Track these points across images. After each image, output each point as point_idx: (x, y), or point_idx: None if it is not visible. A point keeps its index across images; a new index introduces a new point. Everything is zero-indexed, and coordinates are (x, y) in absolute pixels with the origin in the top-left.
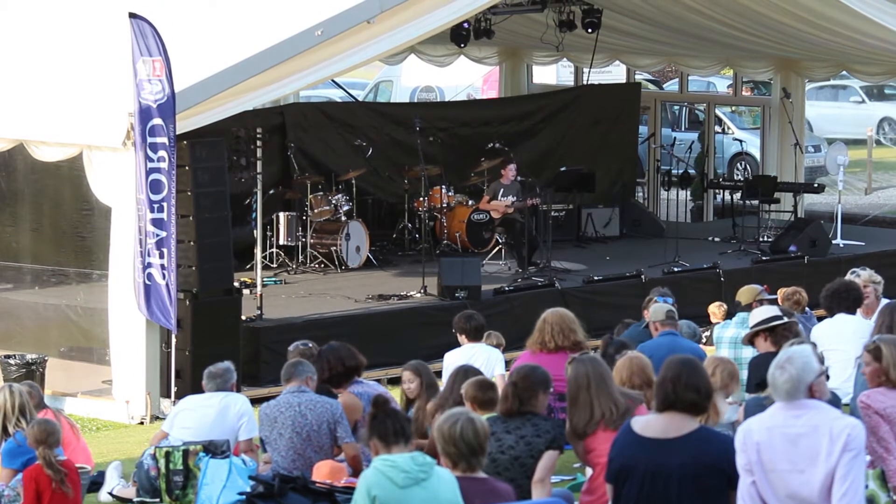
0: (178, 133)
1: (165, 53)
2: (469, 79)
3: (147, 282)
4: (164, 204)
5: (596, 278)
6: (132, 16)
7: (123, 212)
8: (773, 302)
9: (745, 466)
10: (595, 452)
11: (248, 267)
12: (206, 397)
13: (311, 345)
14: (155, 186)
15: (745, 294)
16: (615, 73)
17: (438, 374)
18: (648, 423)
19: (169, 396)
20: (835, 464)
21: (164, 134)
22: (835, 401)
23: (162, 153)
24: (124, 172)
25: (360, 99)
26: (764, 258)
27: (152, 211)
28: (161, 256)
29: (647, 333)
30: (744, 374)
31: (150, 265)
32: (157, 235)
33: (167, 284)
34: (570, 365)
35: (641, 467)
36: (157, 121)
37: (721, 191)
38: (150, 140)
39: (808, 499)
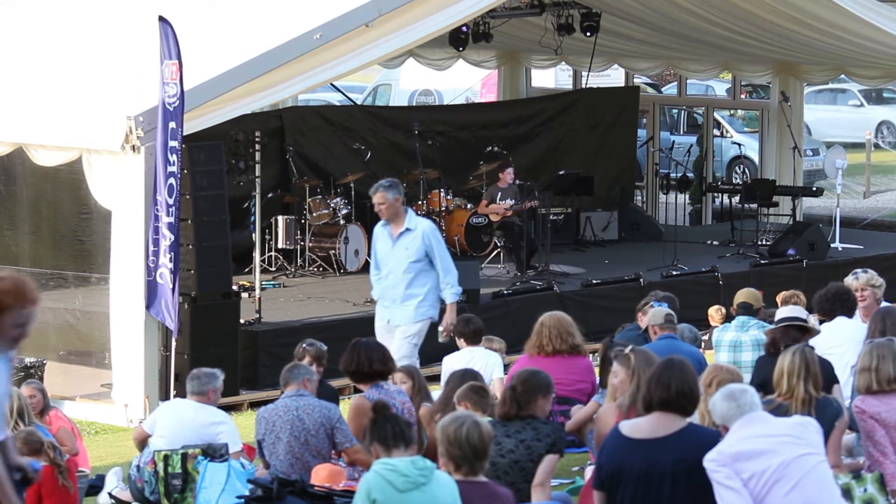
0: None
1: (180, 57)
2: (468, 82)
3: (160, 280)
4: (173, 208)
5: (594, 282)
6: (161, 19)
7: (124, 215)
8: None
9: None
10: None
11: (246, 270)
12: (184, 408)
13: (318, 344)
14: (170, 189)
15: (743, 297)
16: (614, 77)
17: (438, 377)
18: (636, 426)
19: (167, 400)
20: None
21: (176, 137)
22: (836, 407)
23: (173, 157)
24: (124, 176)
25: (358, 102)
26: (762, 262)
27: (168, 214)
28: (171, 260)
29: (642, 337)
30: (745, 377)
31: (161, 265)
32: (170, 238)
33: (173, 288)
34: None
35: (634, 469)
36: (173, 124)
37: (719, 194)
38: (169, 143)
39: None
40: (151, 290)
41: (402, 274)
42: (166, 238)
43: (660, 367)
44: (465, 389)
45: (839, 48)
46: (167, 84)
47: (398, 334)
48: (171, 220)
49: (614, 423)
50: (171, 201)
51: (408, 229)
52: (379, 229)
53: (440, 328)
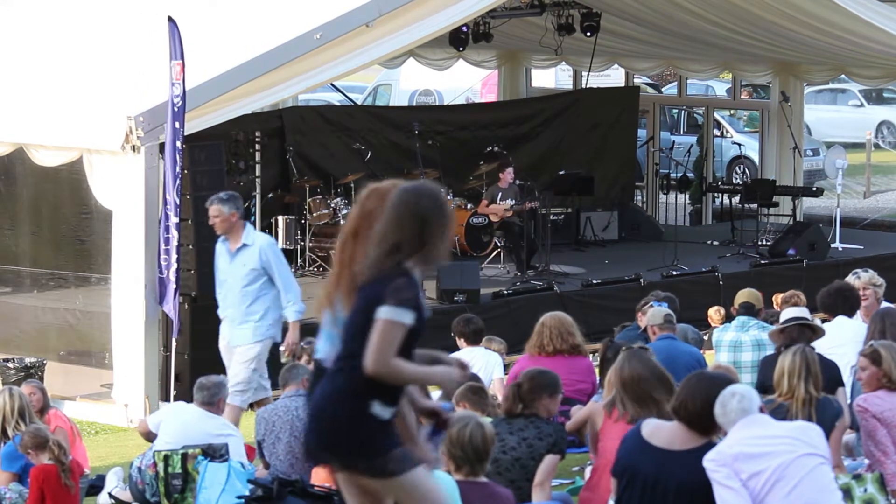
0: None
1: (184, 58)
2: (468, 82)
3: (171, 277)
4: (180, 208)
5: (594, 282)
6: (170, 19)
7: (125, 215)
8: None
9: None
10: (602, 445)
11: None
12: (191, 415)
13: (314, 342)
14: (178, 189)
15: (744, 297)
16: (614, 77)
17: None
18: (657, 430)
19: (168, 400)
20: None
21: (179, 137)
22: (837, 407)
23: (177, 157)
24: (125, 176)
25: (358, 102)
26: (762, 262)
27: (175, 214)
28: (177, 260)
29: (642, 337)
30: (745, 378)
31: (172, 264)
32: (177, 238)
33: (176, 287)
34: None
35: (643, 474)
36: (177, 124)
37: (720, 194)
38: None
39: None
40: (163, 286)
41: (240, 291)
42: (174, 238)
43: (690, 378)
44: (463, 390)
45: (839, 48)
46: (174, 84)
47: (236, 357)
48: (177, 219)
49: (601, 423)
50: (178, 201)
51: (245, 245)
52: (219, 245)
53: (282, 347)
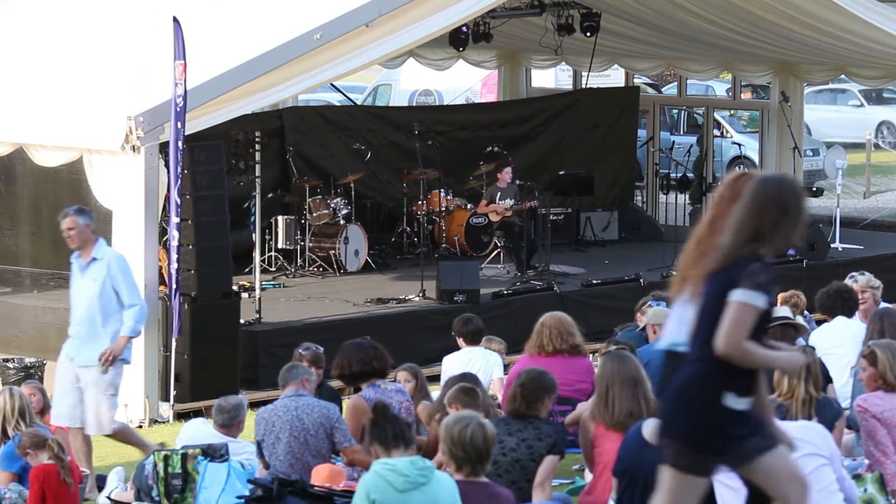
0: None
1: (185, 58)
2: (468, 82)
3: (172, 277)
4: (179, 208)
5: (594, 282)
6: (174, 20)
7: (125, 215)
8: None
9: None
10: (599, 450)
11: (246, 271)
12: (208, 439)
13: (314, 347)
14: (179, 190)
15: None
16: (614, 77)
17: (437, 377)
18: (655, 429)
19: (168, 400)
20: None
21: (180, 137)
22: (836, 407)
23: (179, 157)
24: (125, 176)
25: (358, 102)
26: None
27: (176, 214)
28: (177, 260)
29: (641, 336)
30: None
31: (172, 264)
32: (177, 238)
33: (176, 287)
34: (603, 357)
35: (643, 474)
36: (178, 124)
37: None
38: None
39: None
40: (169, 283)
41: (90, 307)
42: (175, 238)
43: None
44: (454, 391)
45: (839, 48)
46: (176, 84)
47: (89, 382)
48: (178, 220)
49: (594, 429)
50: (179, 201)
51: (94, 259)
52: (73, 260)
53: (99, 353)
